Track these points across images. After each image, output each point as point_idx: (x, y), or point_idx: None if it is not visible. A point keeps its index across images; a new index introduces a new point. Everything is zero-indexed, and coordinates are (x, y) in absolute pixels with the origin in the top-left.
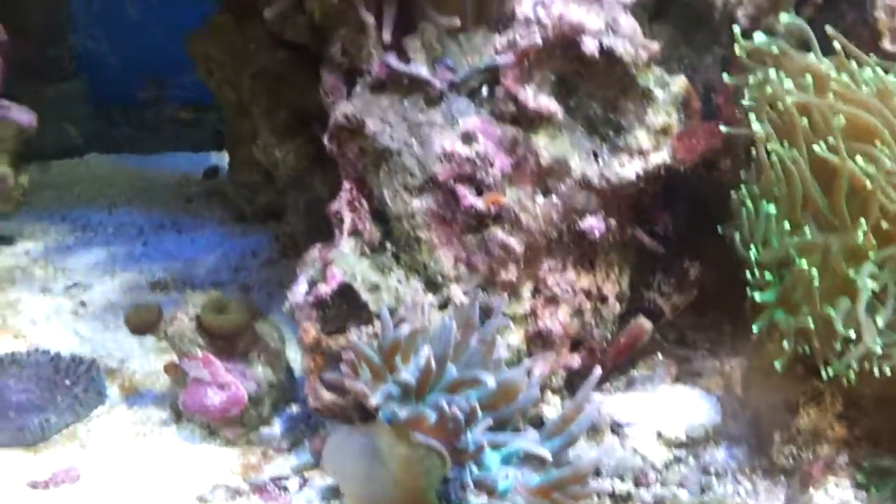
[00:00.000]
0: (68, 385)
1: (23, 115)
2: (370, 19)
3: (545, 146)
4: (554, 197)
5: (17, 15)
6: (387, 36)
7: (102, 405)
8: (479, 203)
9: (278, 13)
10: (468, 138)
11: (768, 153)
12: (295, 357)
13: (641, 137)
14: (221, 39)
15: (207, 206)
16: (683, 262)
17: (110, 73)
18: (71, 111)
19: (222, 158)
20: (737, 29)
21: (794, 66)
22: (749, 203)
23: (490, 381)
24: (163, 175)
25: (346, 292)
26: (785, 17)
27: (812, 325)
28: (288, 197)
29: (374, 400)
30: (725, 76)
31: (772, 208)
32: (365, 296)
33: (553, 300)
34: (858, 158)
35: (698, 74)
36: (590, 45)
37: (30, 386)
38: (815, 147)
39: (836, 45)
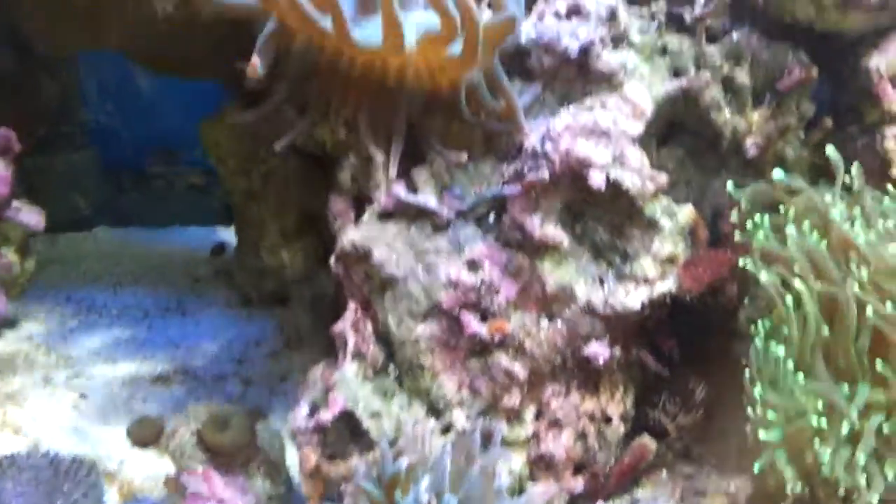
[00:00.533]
0: (67, 490)
1: (31, 218)
2: (378, 156)
3: (550, 272)
4: (559, 322)
5: (32, 94)
6: (393, 172)
7: None
8: (483, 330)
9: (287, 145)
10: (474, 266)
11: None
12: (295, 462)
13: (647, 266)
14: (234, 131)
15: (214, 286)
16: (689, 382)
17: (121, 145)
18: (80, 184)
19: (230, 234)
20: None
21: (806, 204)
22: (758, 341)
23: None
24: (170, 251)
25: (347, 418)
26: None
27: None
28: (293, 288)
29: None
30: (738, 193)
31: (781, 350)
32: (367, 423)
33: (556, 424)
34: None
35: (706, 198)
36: (597, 179)
37: (29, 490)
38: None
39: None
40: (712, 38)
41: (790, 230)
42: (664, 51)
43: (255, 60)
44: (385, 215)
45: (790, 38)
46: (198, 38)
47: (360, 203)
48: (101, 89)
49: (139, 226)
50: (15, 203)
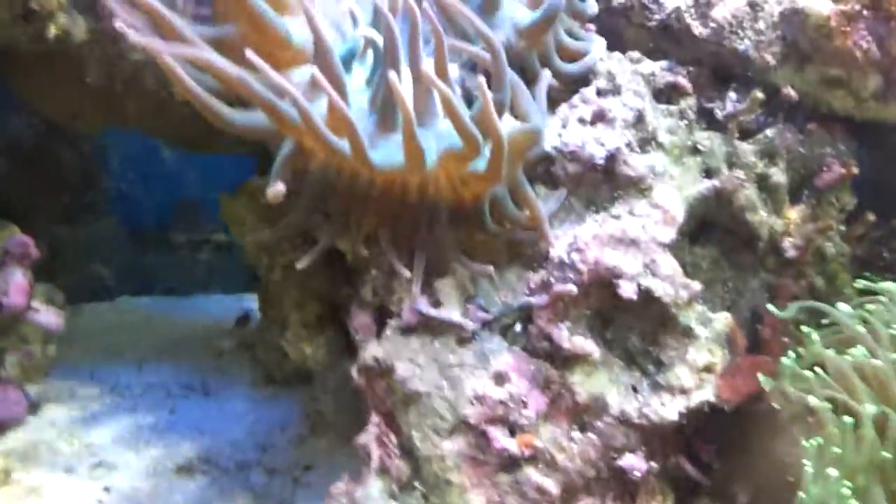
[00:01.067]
0: None
1: (50, 320)
2: (404, 271)
3: (581, 383)
4: (591, 434)
5: (53, 164)
6: (416, 289)
7: None
8: (512, 446)
9: (310, 263)
10: (500, 378)
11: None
12: None
13: (683, 375)
14: (255, 207)
15: (238, 361)
16: (731, 485)
17: (143, 212)
18: (103, 253)
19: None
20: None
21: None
22: (811, 463)
23: None
24: (193, 322)
25: None
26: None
27: None
28: (317, 374)
29: None
30: (771, 306)
31: (833, 471)
32: None
33: None
34: None
35: (743, 298)
36: (627, 289)
37: None
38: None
39: None
40: (745, 134)
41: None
42: (695, 150)
43: (279, 187)
44: (408, 329)
45: (827, 128)
46: None
47: (383, 315)
48: (123, 157)
49: (163, 292)
50: (34, 305)
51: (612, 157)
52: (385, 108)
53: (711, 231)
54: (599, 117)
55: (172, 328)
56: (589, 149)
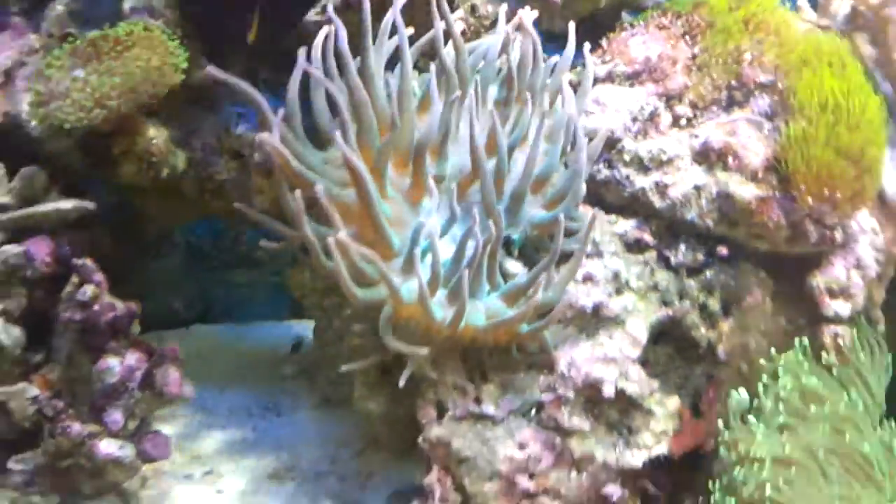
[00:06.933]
0: None
1: (186, 391)
2: (468, 387)
3: (577, 446)
4: (584, 475)
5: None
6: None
7: None
8: (532, 486)
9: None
10: (522, 446)
11: None
12: None
13: (647, 438)
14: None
15: (300, 385)
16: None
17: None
18: (175, 284)
19: (302, 327)
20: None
21: None
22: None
23: None
24: (257, 349)
25: None
26: None
27: None
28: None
29: None
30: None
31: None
32: None
33: None
34: None
35: (689, 381)
36: (608, 390)
37: None
38: None
39: None
40: (692, 272)
41: None
42: (655, 288)
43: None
44: (459, 419)
45: (752, 261)
46: None
47: (440, 407)
48: None
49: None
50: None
51: (596, 307)
52: (454, 294)
53: (668, 336)
54: (588, 278)
55: (240, 354)
56: (581, 301)
